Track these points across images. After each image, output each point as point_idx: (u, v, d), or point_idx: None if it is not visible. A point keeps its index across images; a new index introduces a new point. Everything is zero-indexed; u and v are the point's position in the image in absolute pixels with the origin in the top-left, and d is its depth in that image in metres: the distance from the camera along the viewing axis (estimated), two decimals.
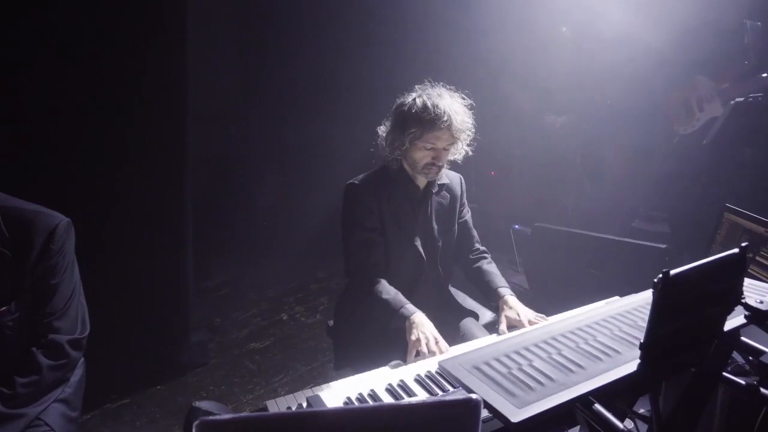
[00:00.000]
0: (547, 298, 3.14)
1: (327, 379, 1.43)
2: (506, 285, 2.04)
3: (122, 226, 2.72)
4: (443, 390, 1.27)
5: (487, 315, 2.22)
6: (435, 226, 2.03)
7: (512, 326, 1.82)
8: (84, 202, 2.62)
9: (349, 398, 1.25)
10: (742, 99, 2.59)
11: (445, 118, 1.78)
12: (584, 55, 3.97)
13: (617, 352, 1.12)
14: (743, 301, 1.06)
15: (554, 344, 1.15)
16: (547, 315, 1.88)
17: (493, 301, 2.02)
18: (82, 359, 1.74)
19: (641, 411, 1.41)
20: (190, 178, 2.86)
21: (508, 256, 4.18)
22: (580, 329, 1.22)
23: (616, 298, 1.84)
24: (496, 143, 4.58)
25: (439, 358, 1.48)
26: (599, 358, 1.09)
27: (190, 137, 2.77)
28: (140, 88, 2.59)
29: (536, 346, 1.15)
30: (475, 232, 2.19)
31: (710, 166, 3.03)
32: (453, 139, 1.85)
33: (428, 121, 1.78)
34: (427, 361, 1.49)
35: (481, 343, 1.62)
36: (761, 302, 1.04)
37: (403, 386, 1.27)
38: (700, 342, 1.15)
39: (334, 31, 4.50)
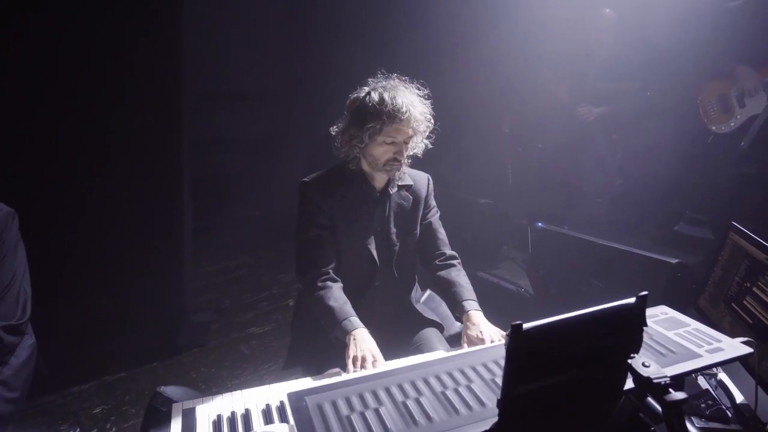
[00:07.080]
0: (548, 307, 2.92)
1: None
2: (473, 298, 1.90)
3: (120, 208, 2.86)
4: None
5: (456, 325, 2.09)
6: (393, 229, 1.92)
7: (474, 345, 1.70)
8: (83, 187, 2.77)
9: (219, 416, 1.20)
10: None
11: (404, 110, 1.71)
12: (627, 41, 3.60)
13: (482, 404, 0.98)
14: (628, 361, 0.88)
15: (420, 386, 1.04)
16: None
17: (459, 314, 1.90)
18: (33, 341, 1.81)
19: None
20: (185, 161, 2.94)
21: (524, 256, 3.95)
22: (461, 370, 1.09)
23: None
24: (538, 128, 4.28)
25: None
26: (457, 411, 0.97)
27: (184, 120, 2.86)
28: (133, 73, 2.68)
29: (399, 386, 1.04)
30: (442, 235, 2.05)
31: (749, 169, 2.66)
32: (413, 132, 1.77)
33: (387, 114, 1.71)
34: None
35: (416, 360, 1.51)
36: (647, 365, 0.86)
37: (281, 408, 1.21)
38: (587, 400, 0.99)
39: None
